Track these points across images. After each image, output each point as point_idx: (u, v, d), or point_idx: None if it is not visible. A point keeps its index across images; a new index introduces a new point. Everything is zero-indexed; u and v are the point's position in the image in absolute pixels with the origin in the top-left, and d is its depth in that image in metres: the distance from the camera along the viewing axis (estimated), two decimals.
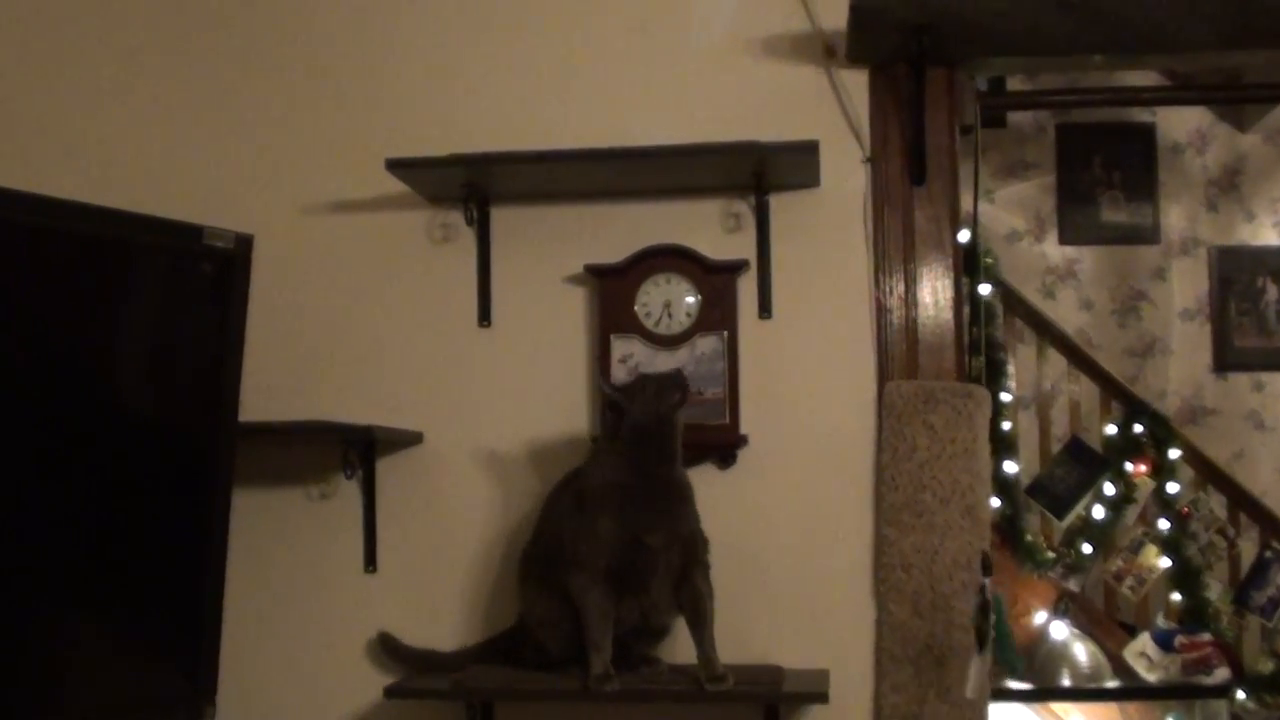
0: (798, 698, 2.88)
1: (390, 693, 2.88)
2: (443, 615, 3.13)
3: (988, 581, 2.73)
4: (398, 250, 3.20)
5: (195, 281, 2.67)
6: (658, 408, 2.75)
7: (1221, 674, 5.22)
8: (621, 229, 3.11)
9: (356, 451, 3.12)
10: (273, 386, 3.09)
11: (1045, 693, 5.28)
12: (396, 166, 2.99)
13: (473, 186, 3.09)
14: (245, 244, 2.68)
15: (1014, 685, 5.17)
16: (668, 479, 2.78)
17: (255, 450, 3.03)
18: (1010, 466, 5.65)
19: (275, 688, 3.16)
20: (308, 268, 3.21)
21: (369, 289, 3.21)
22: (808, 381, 3.07)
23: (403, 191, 3.13)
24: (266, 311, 2.99)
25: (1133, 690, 5.32)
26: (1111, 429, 5.93)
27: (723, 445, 3.05)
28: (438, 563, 3.15)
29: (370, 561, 3.16)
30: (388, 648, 3.03)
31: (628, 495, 2.74)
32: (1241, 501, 6.20)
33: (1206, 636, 5.30)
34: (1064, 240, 7.89)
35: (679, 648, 2.89)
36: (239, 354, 2.71)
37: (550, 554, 2.84)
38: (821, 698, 2.77)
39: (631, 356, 3.04)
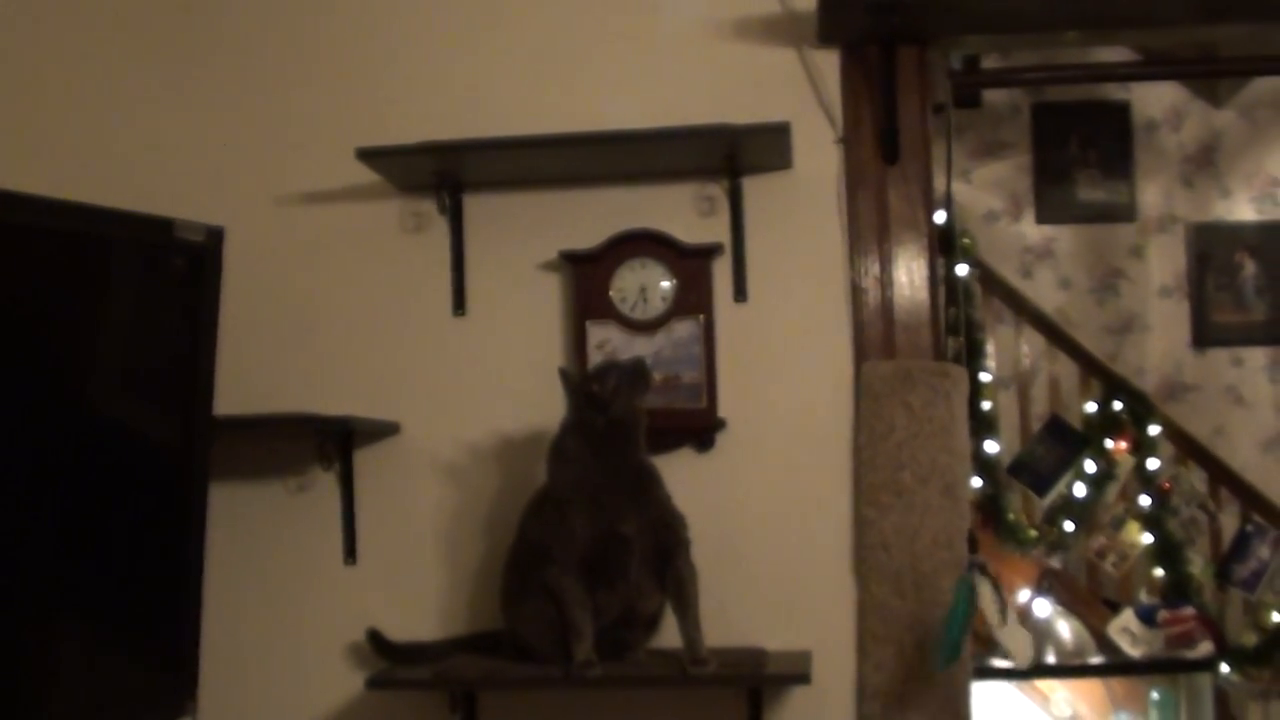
0: (780, 679, 2.88)
1: (372, 684, 2.87)
2: (423, 606, 3.13)
3: (979, 558, 2.73)
4: (371, 240, 3.19)
5: (167, 275, 2.64)
6: (631, 399, 2.74)
7: (1205, 648, 5.24)
8: (595, 214, 3.10)
9: (333, 443, 3.11)
10: (247, 379, 3.07)
11: (1030, 670, 5.29)
12: (368, 156, 2.98)
13: (445, 174, 3.08)
14: (217, 236, 2.66)
15: (998, 664, 5.18)
16: (633, 466, 2.78)
17: (231, 444, 3.01)
18: (991, 446, 5.65)
19: (257, 682, 3.16)
20: (280, 259, 3.20)
21: (342, 280, 3.19)
22: (784, 364, 3.07)
23: (374, 181, 3.12)
24: (239, 304, 2.96)
25: (1117, 666, 5.33)
26: (1091, 407, 5.94)
27: (701, 429, 3.05)
28: (417, 553, 3.14)
29: (350, 553, 3.15)
30: (376, 644, 3.00)
31: (597, 488, 2.74)
32: (1222, 476, 6.21)
33: (1189, 611, 5.31)
34: (1041, 219, 7.88)
35: (665, 632, 2.89)
36: (213, 347, 2.69)
37: (528, 558, 2.83)
38: (804, 679, 2.78)
39: (608, 342, 3.04)
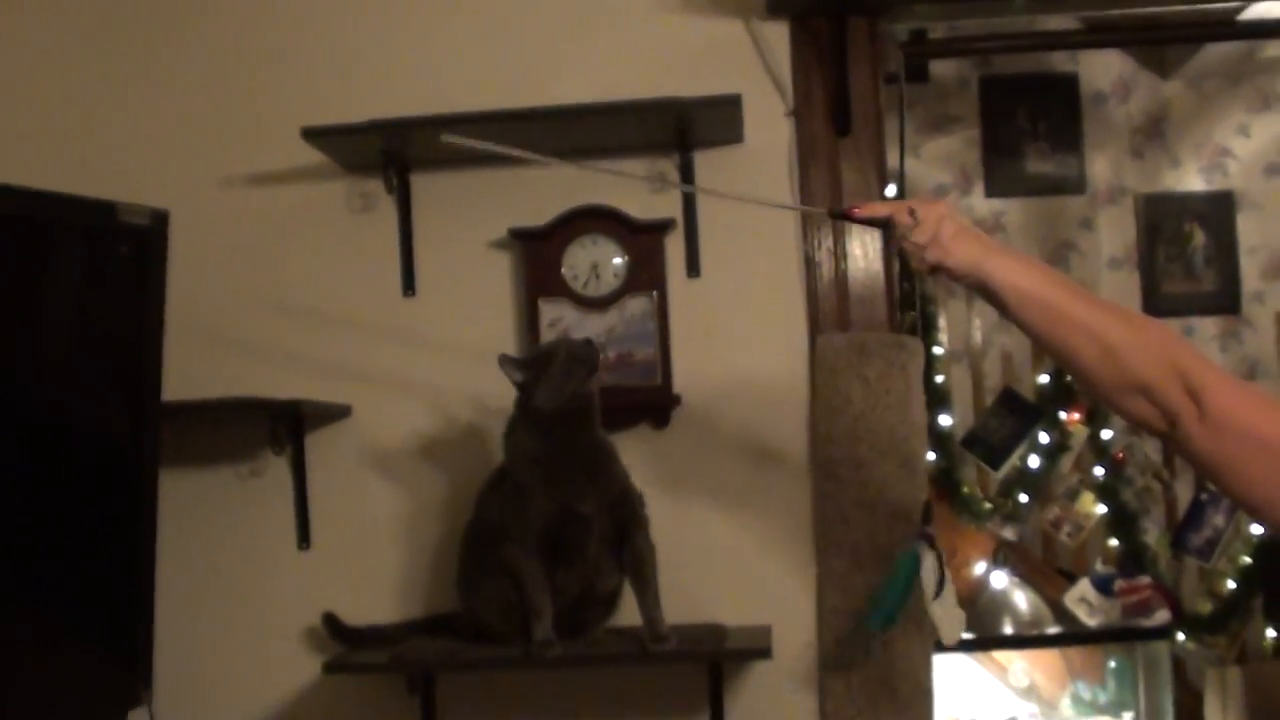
0: (741, 654, 2.88)
1: (329, 668, 2.84)
2: (379, 589, 3.10)
3: (928, 529, 2.71)
4: (318, 221, 3.16)
5: (111, 260, 2.61)
6: (564, 388, 2.70)
7: (1161, 616, 5.25)
8: (545, 191, 3.07)
9: (284, 427, 3.08)
10: (196, 364, 3.04)
11: (987, 641, 5.30)
12: (313, 135, 2.94)
13: (391, 153, 3.05)
14: (161, 220, 2.62)
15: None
16: (589, 445, 2.75)
17: (181, 430, 2.99)
18: (945, 419, 5.65)
19: (212, 669, 3.13)
20: (226, 242, 3.16)
21: (290, 262, 3.16)
22: (739, 338, 3.06)
23: (320, 161, 3.08)
24: (186, 288, 2.93)
25: (1074, 635, 5.34)
26: (1044, 378, 5.94)
27: (656, 406, 3.03)
28: (372, 536, 3.12)
29: (303, 538, 3.12)
30: (332, 629, 2.98)
31: (552, 468, 2.71)
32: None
33: (1145, 580, 5.32)
34: (990, 193, 7.89)
35: (624, 610, 2.88)
36: (159, 332, 2.66)
37: (485, 537, 2.81)
38: (765, 653, 2.77)
39: (561, 320, 3.02)
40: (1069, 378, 5.72)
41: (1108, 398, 2.01)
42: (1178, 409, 1.91)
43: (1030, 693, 5.37)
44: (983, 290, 2.05)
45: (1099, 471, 5.69)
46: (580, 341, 2.76)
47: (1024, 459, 5.69)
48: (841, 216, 2.29)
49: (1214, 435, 1.89)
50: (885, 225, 2.15)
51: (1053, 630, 5.35)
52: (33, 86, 3.25)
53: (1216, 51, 7.50)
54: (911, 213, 2.10)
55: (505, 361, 2.75)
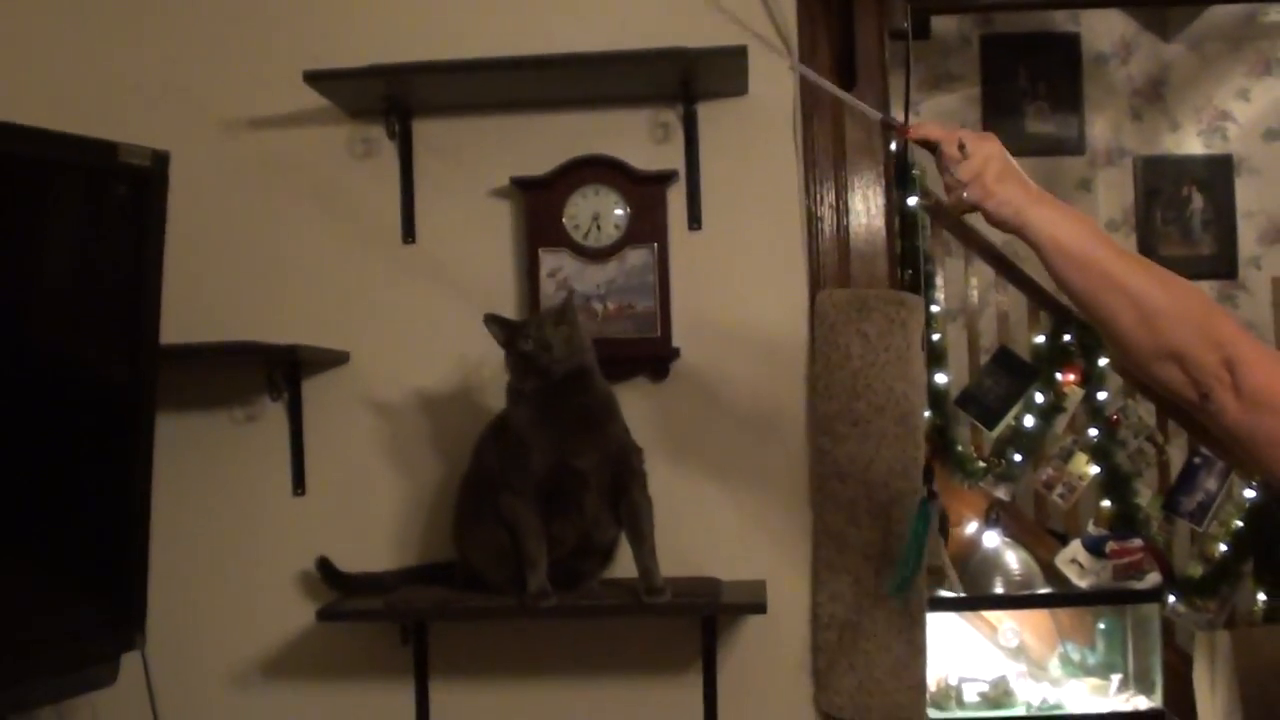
0: (736, 608, 2.88)
1: (323, 615, 2.84)
2: (373, 537, 3.09)
3: (933, 488, 2.70)
4: (318, 166, 3.13)
5: (110, 201, 2.58)
6: (521, 381, 2.71)
7: (1152, 578, 5.28)
8: (548, 140, 3.05)
9: (281, 372, 3.06)
10: (194, 307, 3.01)
11: (978, 601, 5.32)
12: (315, 79, 2.91)
13: (394, 99, 3.02)
14: (162, 161, 2.59)
15: (946, 594, 5.20)
16: (587, 400, 2.74)
17: (177, 374, 2.96)
18: (940, 378, 5.66)
19: (205, 614, 3.12)
20: (226, 185, 3.13)
21: (290, 206, 3.13)
22: (739, 292, 3.04)
23: (322, 105, 3.05)
24: (185, 231, 2.90)
25: (1065, 596, 5.37)
26: (1040, 339, 5.96)
27: (655, 358, 3.01)
28: (367, 483, 3.11)
29: (299, 484, 3.11)
30: (326, 574, 2.97)
31: (550, 423, 2.70)
32: (1169, 408, 6.24)
33: (1137, 542, 5.35)
34: None
35: (620, 562, 2.88)
36: (158, 275, 2.63)
37: (483, 484, 2.80)
38: (759, 608, 2.77)
39: (561, 270, 3.00)
40: (1067, 338, 5.74)
41: (1139, 361, 1.94)
42: (1212, 380, 1.85)
43: (1019, 653, 5.39)
44: (1021, 238, 2.00)
45: (1093, 433, 5.72)
46: (541, 331, 2.68)
47: (1018, 419, 5.72)
48: (894, 128, 2.28)
49: (1249, 409, 1.83)
50: (933, 150, 2.11)
51: (1043, 591, 5.38)
52: (33, 25, 3.21)
53: (1219, 14, 7.49)
54: (961, 146, 2.05)
55: (490, 321, 2.75)
